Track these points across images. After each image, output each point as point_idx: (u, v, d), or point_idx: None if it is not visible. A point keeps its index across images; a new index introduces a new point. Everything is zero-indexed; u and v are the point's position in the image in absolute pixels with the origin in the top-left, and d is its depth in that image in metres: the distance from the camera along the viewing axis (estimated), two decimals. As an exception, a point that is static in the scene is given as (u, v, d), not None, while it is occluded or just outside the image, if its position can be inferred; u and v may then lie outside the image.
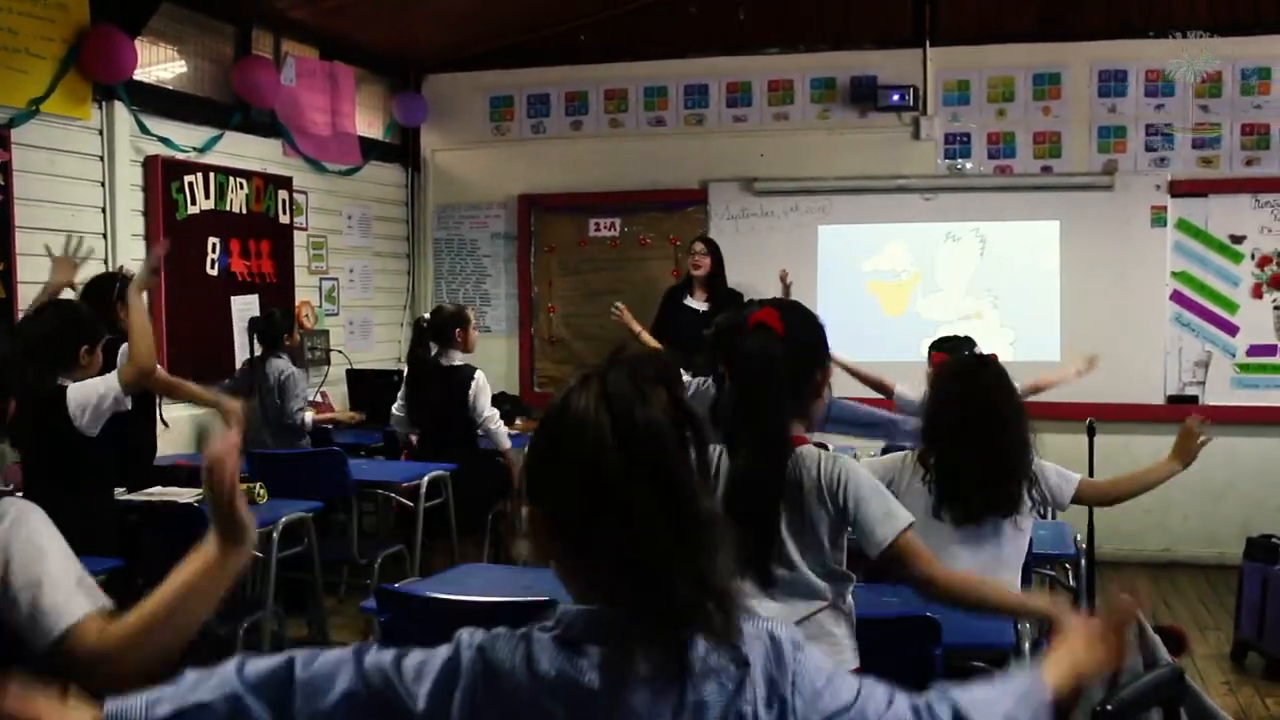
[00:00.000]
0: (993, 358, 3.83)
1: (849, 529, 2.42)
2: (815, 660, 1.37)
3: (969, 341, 4.86)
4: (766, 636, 1.33)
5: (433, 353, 5.68)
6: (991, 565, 3.26)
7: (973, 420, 3.23)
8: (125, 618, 1.78)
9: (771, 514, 2.36)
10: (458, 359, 5.70)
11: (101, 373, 3.99)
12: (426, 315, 5.91)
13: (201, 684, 1.37)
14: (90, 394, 3.80)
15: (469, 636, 1.34)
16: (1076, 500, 3.47)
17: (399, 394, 5.85)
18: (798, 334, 2.42)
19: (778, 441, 2.38)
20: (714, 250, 6.78)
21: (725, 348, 2.46)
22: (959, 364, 3.65)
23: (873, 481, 2.41)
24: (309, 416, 6.01)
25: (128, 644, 1.75)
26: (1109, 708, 2.05)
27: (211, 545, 1.72)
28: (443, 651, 1.34)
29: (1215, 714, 2.69)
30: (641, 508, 1.25)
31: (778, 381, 2.37)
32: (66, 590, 1.82)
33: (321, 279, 7.23)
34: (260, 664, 1.37)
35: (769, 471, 2.36)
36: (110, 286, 4.77)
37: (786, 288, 6.24)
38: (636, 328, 6.49)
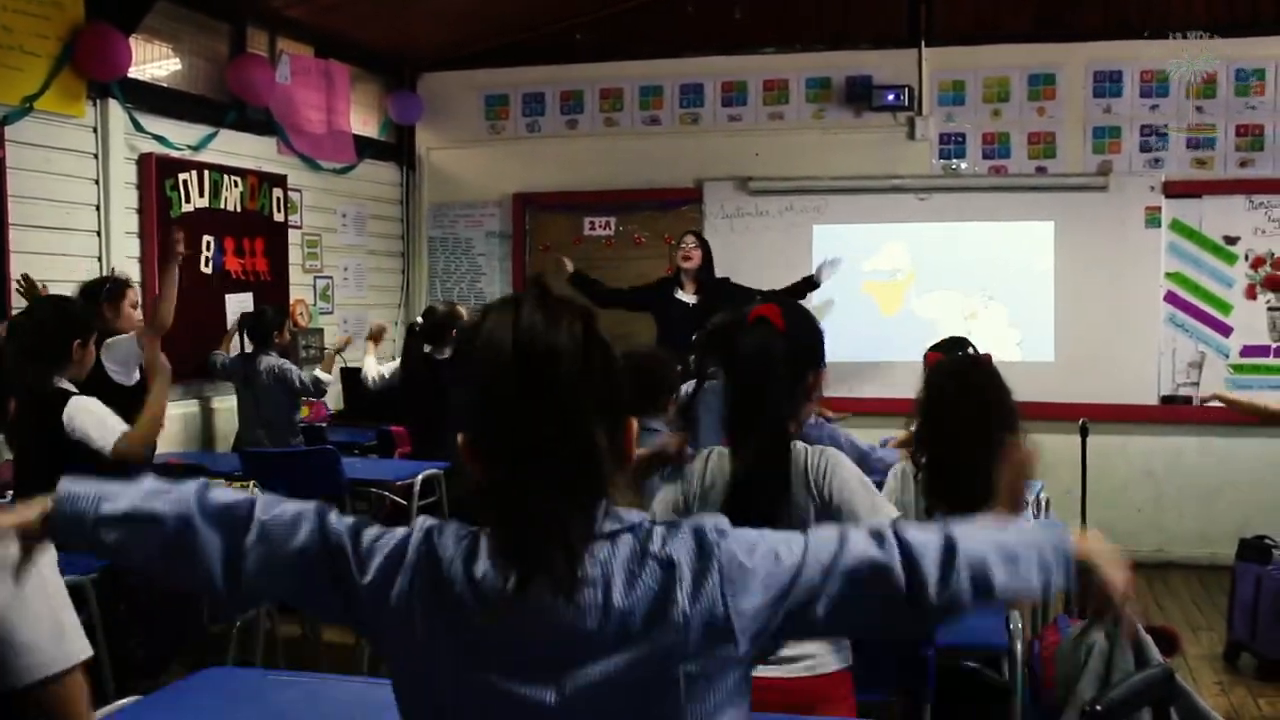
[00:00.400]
0: (986, 358, 3.84)
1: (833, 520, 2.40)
2: (742, 538, 1.35)
3: (965, 344, 4.85)
4: (691, 534, 1.33)
5: (427, 351, 5.68)
6: None
7: (966, 419, 3.23)
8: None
9: (776, 511, 2.34)
10: (450, 353, 5.70)
11: (94, 369, 4.00)
12: (418, 320, 5.90)
13: (159, 495, 1.37)
14: (85, 425, 3.75)
15: (423, 520, 1.37)
16: None
17: (380, 369, 5.87)
18: (798, 332, 2.40)
19: (779, 438, 2.36)
20: (704, 243, 6.73)
21: (722, 346, 2.45)
22: (952, 363, 3.66)
23: (859, 475, 2.40)
24: (321, 374, 5.99)
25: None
26: (1099, 707, 2.06)
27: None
28: (400, 531, 1.36)
29: (1207, 715, 2.70)
30: (530, 431, 1.27)
31: (778, 377, 2.35)
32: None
33: (316, 277, 7.22)
34: (221, 494, 1.38)
35: (773, 469, 2.35)
36: (100, 288, 4.78)
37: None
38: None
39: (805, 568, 1.33)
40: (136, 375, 4.81)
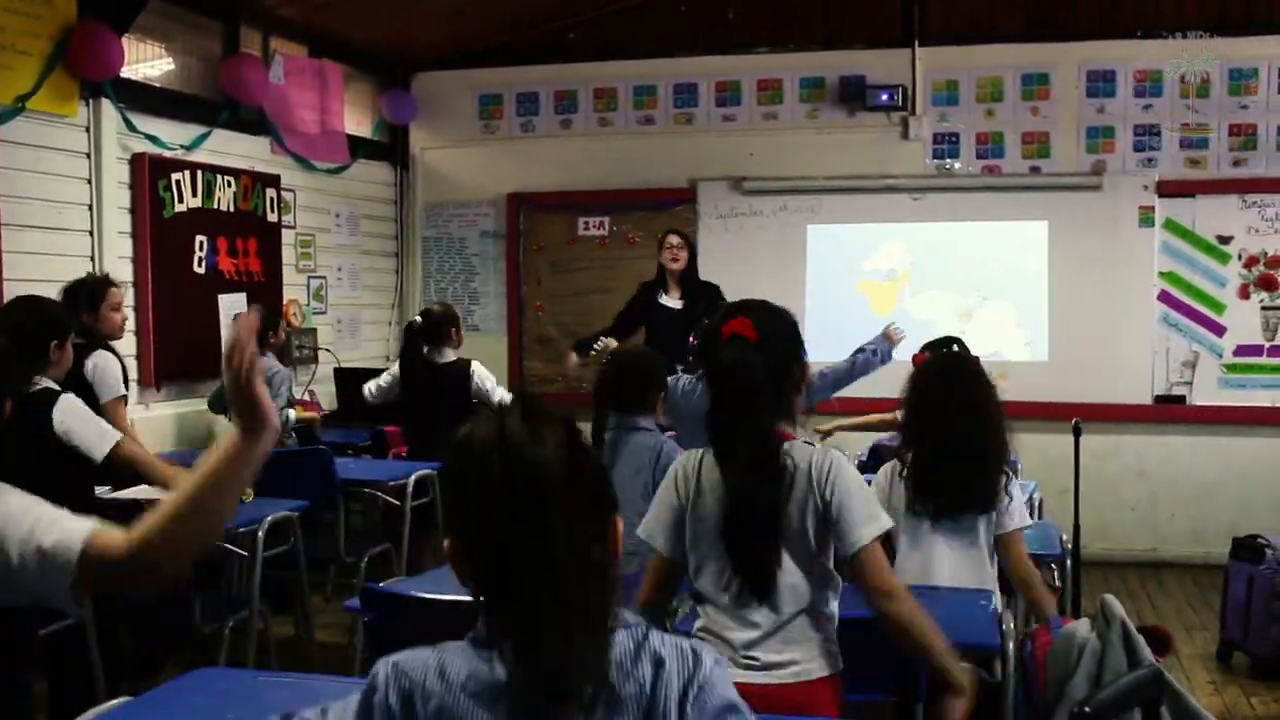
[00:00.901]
0: (974, 360, 3.85)
1: (827, 526, 2.39)
2: (728, 688, 1.39)
3: (955, 344, 4.85)
4: (689, 647, 1.39)
5: (425, 352, 5.66)
6: (970, 558, 3.29)
7: (952, 416, 3.24)
8: (146, 517, 1.71)
9: (772, 522, 2.35)
10: (449, 356, 5.69)
11: (71, 369, 3.98)
12: (416, 318, 5.88)
13: None
14: (76, 428, 3.75)
15: (384, 664, 1.38)
16: (999, 541, 3.36)
17: (378, 381, 5.85)
18: (772, 337, 2.41)
19: (768, 450, 2.37)
20: (689, 243, 6.54)
21: (705, 357, 2.47)
22: (938, 361, 3.68)
23: (860, 481, 2.41)
24: (291, 414, 5.98)
25: (155, 538, 1.69)
26: (1088, 709, 2.05)
27: (233, 434, 1.70)
28: (361, 691, 1.38)
29: (1199, 715, 2.69)
30: (519, 548, 1.30)
31: (758, 391, 2.36)
32: (62, 522, 1.75)
33: (309, 277, 7.21)
34: None
35: (765, 481, 2.36)
36: (79, 292, 4.73)
37: None
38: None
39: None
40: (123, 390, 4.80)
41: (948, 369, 3.47)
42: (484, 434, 1.33)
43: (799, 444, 2.41)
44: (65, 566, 1.70)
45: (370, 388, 5.95)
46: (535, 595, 1.30)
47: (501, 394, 5.71)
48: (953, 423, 3.24)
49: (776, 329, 2.43)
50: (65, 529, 1.73)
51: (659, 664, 1.35)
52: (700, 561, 2.45)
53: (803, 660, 2.39)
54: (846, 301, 7.31)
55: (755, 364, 2.35)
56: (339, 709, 1.39)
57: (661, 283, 6.41)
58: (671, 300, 6.38)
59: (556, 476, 1.30)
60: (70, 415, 3.76)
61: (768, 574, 2.36)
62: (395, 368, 5.85)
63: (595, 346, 6.24)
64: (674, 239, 6.43)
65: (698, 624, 2.48)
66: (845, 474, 2.38)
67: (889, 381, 3.62)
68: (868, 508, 2.36)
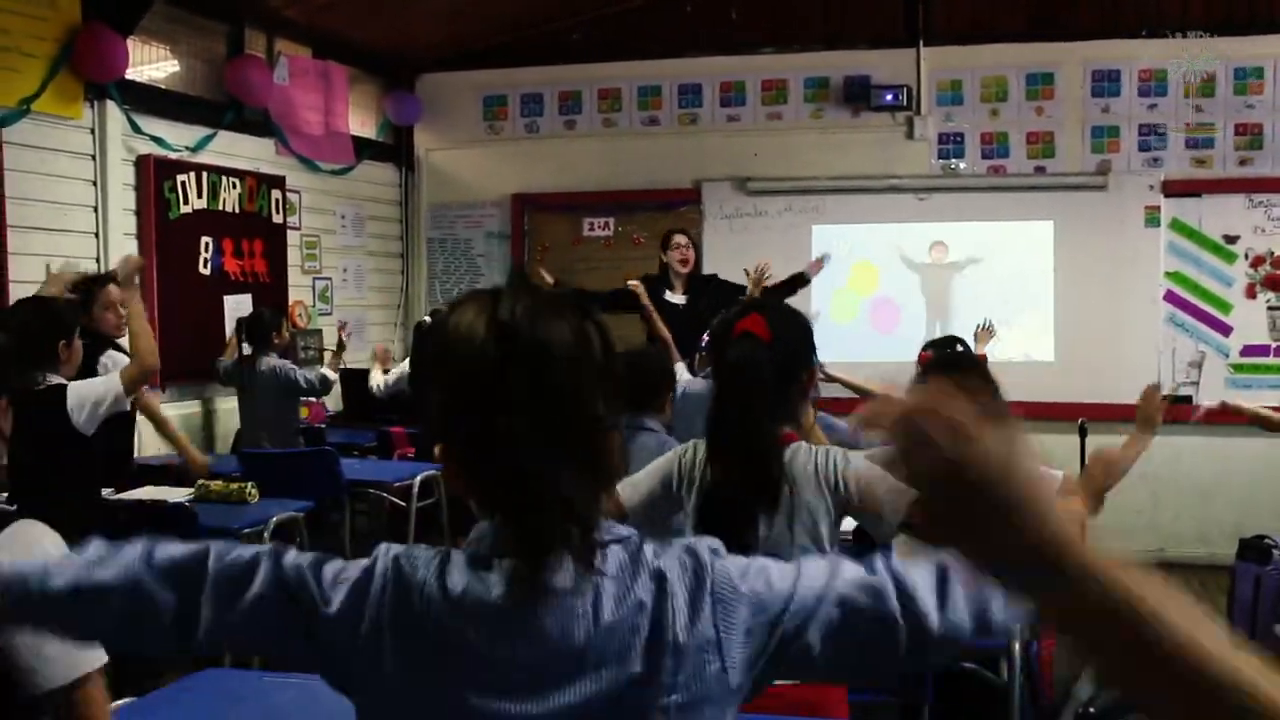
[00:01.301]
0: (981, 358, 3.86)
1: (854, 516, 2.39)
2: (736, 560, 1.28)
3: (958, 343, 4.85)
4: (684, 551, 1.27)
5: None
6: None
7: None
8: None
9: (747, 523, 2.32)
10: None
11: (80, 368, 3.99)
12: (426, 318, 5.89)
13: (105, 562, 1.28)
14: (89, 393, 3.78)
15: (387, 548, 1.29)
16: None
17: (385, 376, 5.87)
18: (785, 338, 2.40)
19: (762, 453, 2.35)
20: (696, 243, 6.62)
21: (714, 351, 2.46)
22: (940, 359, 3.68)
23: (869, 463, 2.38)
24: (325, 371, 5.97)
25: None
26: (1091, 710, 2.06)
27: None
28: (362, 561, 1.29)
29: None
30: (520, 417, 1.20)
31: (763, 391, 2.34)
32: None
33: (315, 279, 7.21)
34: (171, 550, 1.29)
35: (748, 480, 2.34)
36: (91, 289, 4.75)
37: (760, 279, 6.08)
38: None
39: (798, 592, 1.25)
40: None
41: (948, 365, 3.48)
42: (474, 311, 1.24)
43: (801, 444, 2.40)
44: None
45: (377, 382, 5.97)
46: (532, 459, 1.20)
47: None
48: None
49: (790, 330, 2.42)
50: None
51: (660, 578, 1.23)
52: None
53: None
54: (851, 302, 7.31)
55: (763, 363, 2.34)
56: (336, 566, 1.28)
57: (665, 280, 6.43)
58: (676, 296, 6.41)
59: (563, 356, 1.22)
60: (77, 392, 3.79)
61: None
62: (405, 364, 5.86)
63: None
64: (681, 239, 6.47)
65: None
66: (854, 463, 2.36)
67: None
68: (889, 482, 2.30)
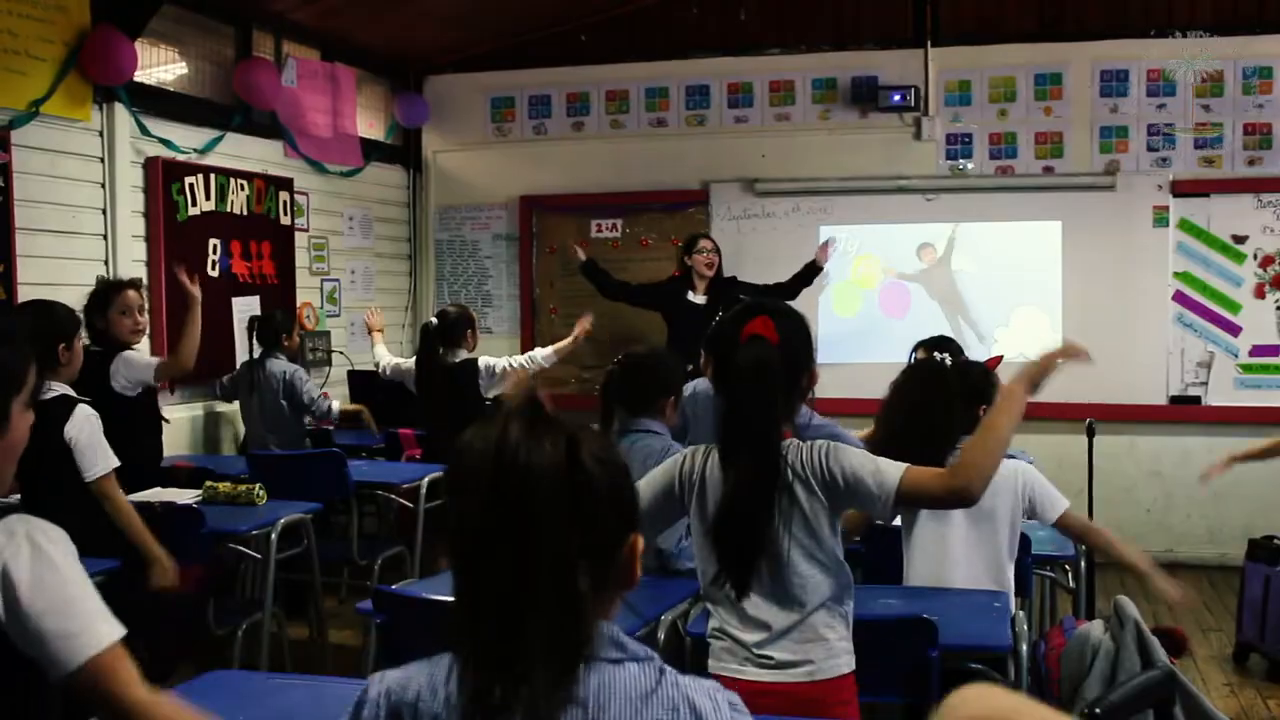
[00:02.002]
0: (992, 363, 3.83)
1: (849, 503, 2.38)
2: None
3: (952, 345, 4.83)
4: (706, 691, 1.30)
5: (440, 354, 5.67)
6: (986, 557, 3.26)
7: (914, 422, 3.22)
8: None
9: (765, 525, 2.33)
10: (462, 356, 5.70)
11: (83, 370, 4.00)
12: (433, 319, 5.89)
13: None
14: (84, 441, 3.73)
15: (377, 682, 1.35)
16: (1060, 524, 3.37)
17: (396, 361, 5.92)
18: (792, 340, 2.39)
19: (772, 454, 2.35)
20: (718, 247, 6.83)
21: (719, 355, 2.44)
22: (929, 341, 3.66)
23: (855, 448, 2.39)
24: (335, 405, 6.01)
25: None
26: (1098, 710, 2.04)
27: None
28: (352, 705, 1.36)
29: (1213, 716, 2.68)
30: (499, 557, 1.23)
31: (773, 394, 2.34)
32: (85, 616, 1.75)
33: (323, 280, 7.21)
34: None
35: (763, 484, 2.34)
36: (108, 293, 4.77)
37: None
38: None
39: None
40: (140, 391, 4.82)
41: (933, 369, 3.48)
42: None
43: (794, 444, 2.40)
44: (64, 664, 1.72)
45: (384, 361, 5.98)
46: (501, 612, 1.22)
47: (505, 362, 5.71)
48: (912, 429, 3.21)
49: (796, 332, 2.42)
50: (84, 628, 1.74)
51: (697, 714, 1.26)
52: (704, 564, 2.44)
53: (816, 659, 2.37)
54: (858, 302, 7.29)
55: (773, 367, 2.34)
56: None
57: (688, 281, 6.64)
58: (697, 297, 6.66)
59: (548, 486, 1.22)
60: (82, 429, 3.75)
61: (747, 572, 2.34)
62: (412, 362, 5.87)
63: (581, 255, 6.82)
64: (707, 244, 6.76)
65: (711, 624, 2.47)
66: (837, 450, 2.35)
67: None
68: (873, 463, 2.32)
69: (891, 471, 2.28)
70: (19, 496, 3.51)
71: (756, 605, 2.38)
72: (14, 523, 1.79)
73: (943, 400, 3.28)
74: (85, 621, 1.74)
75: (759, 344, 2.35)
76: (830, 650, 2.39)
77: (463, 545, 1.26)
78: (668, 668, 1.29)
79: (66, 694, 1.76)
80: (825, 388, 2.59)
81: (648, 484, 2.47)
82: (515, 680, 1.21)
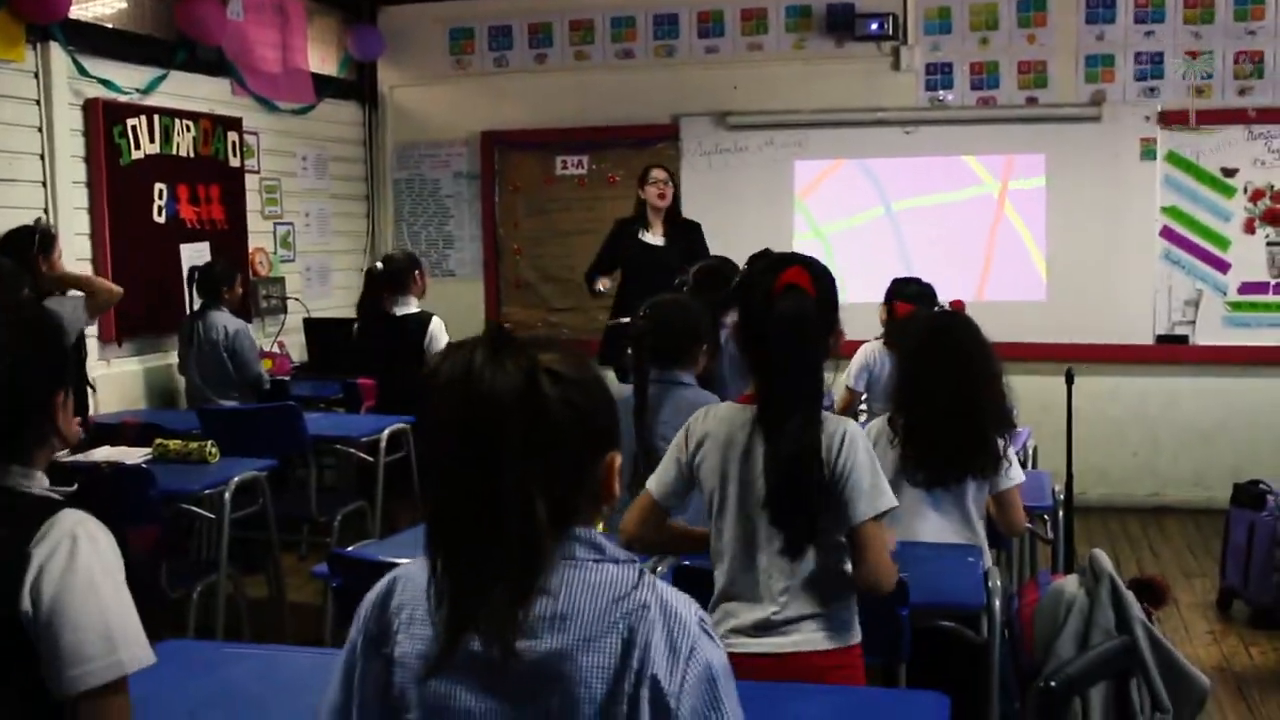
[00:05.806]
0: (957, 305, 3.70)
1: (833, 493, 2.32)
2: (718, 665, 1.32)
3: (928, 288, 4.68)
4: (666, 611, 1.31)
5: (385, 301, 5.48)
6: (959, 526, 3.18)
7: (947, 381, 3.08)
8: None
9: (822, 480, 2.28)
10: (413, 305, 5.49)
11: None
12: (378, 264, 5.69)
13: None
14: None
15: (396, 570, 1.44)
16: (995, 498, 3.25)
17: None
18: (826, 293, 2.34)
19: (819, 404, 2.32)
20: (675, 178, 6.42)
21: (749, 306, 2.35)
22: (928, 320, 3.51)
23: (870, 452, 2.34)
24: (264, 375, 5.85)
25: None
26: (1053, 684, 2.01)
27: None
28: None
29: (1185, 670, 2.67)
30: (462, 483, 1.28)
31: (814, 343, 2.30)
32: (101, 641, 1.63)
33: (276, 224, 7.02)
34: None
35: (811, 445, 2.28)
36: (30, 239, 4.57)
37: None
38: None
39: None
40: (73, 339, 4.62)
41: (937, 328, 3.30)
42: (451, 362, 1.30)
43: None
44: (65, 687, 1.63)
45: None
46: (467, 535, 1.28)
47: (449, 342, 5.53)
48: (946, 389, 3.07)
49: (828, 285, 2.37)
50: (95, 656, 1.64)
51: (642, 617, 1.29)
52: (722, 524, 2.38)
53: (823, 628, 2.35)
54: (834, 239, 7.11)
55: (811, 317, 2.28)
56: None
57: (642, 220, 6.25)
58: (654, 237, 6.24)
59: (508, 412, 1.26)
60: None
61: (811, 532, 2.30)
62: (357, 329, 5.71)
63: (598, 287, 6.14)
64: (659, 173, 6.31)
65: (718, 590, 2.42)
66: (856, 444, 2.31)
67: (863, 323, 3.41)
68: (873, 479, 2.29)
69: (867, 507, 2.28)
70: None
71: (769, 573, 2.34)
72: (65, 521, 1.70)
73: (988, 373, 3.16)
74: (98, 648, 1.63)
75: (797, 295, 2.27)
76: (837, 619, 2.37)
77: (429, 468, 1.35)
78: (649, 573, 1.34)
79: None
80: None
81: (664, 465, 2.47)
82: (475, 602, 1.27)
